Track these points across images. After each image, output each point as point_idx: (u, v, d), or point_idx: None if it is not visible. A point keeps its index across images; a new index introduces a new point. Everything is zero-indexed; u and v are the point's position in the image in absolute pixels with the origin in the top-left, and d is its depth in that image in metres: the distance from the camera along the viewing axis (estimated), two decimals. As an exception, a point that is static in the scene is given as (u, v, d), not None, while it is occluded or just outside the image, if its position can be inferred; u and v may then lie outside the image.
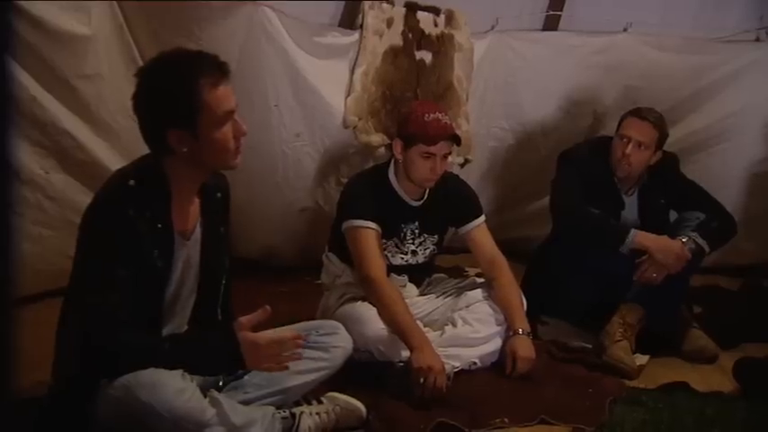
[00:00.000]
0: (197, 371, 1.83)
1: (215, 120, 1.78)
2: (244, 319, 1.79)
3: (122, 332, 1.74)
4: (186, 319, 2.00)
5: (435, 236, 2.73)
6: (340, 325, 2.19)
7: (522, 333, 2.54)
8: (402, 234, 2.65)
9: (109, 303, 1.72)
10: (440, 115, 2.54)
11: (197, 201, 1.94)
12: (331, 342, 2.10)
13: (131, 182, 1.79)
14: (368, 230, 2.53)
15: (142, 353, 1.76)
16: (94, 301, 1.74)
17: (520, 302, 2.63)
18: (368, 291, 2.51)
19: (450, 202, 2.71)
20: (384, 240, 2.60)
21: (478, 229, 2.73)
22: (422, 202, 2.67)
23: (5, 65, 0.69)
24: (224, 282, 2.05)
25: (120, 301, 1.73)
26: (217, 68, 1.79)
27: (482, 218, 2.75)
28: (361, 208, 2.56)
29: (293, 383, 2.03)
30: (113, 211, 1.76)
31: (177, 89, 1.75)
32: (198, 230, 1.94)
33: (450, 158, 2.66)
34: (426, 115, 2.53)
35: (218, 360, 1.81)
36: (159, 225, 1.81)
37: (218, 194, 2.02)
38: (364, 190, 2.62)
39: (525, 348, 2.52)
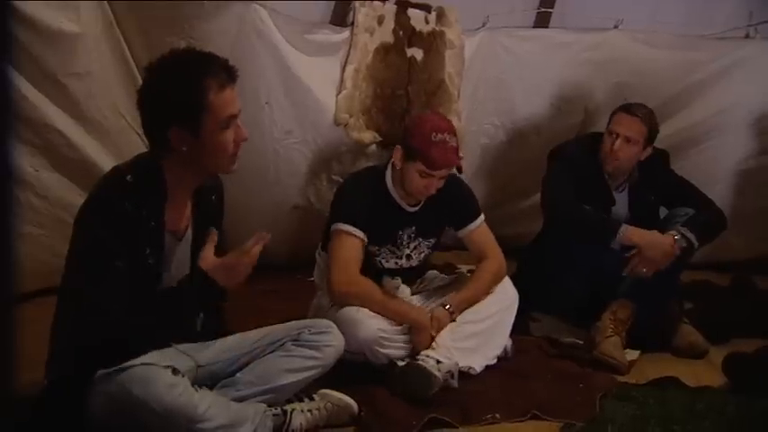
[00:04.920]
0: (184, 318, 1.86)
1: (218, 122, 1.79)
2: (204, 253, 1.88)
3: (116, 322, 1.75)
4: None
5: (431, 239, 2.69)
6: (332, 323, 2.19)
7: (448, 308, 2.51)
8: (398, 240, 2.61)
9: (105, 295, 1.73)
10: (447, 136, 2.43)
11: (190, 202, 1.94)
12: (323, 341, 2.10)
13: (129, 177, 1.80)
14: (351, 238, 2.46)
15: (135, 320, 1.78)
16: (91, 292, 1.74)
17: (471, 293, 2.56)
18: (343, 300, 2.44)
19: (449, 205, 2.64)
20: (377, 247, 2.56)
21: (477, 231, 2.67)
22: (419, 207, 2.61)
23: (5, 72, 0.69)
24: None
25: (115, 292, 1.74)
26: (225, 71, 1.80)
27: (480, 218, 2.68)
28: (352, 213, 2.49)
29: (285, 381, 2.03)
30: (111, 204, 1.77)
31: (184, 87, 1.76)
32: (190, 231, 1.95)
33: None
34: (434, 134, 2.42)
35: (196, 298, 1.86)
36: (152, 223, 1.82)
37: (213, 197, 2.03)
38: (360, 194, 2.54)
39: (438, 318, 2.49)
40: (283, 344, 2.07)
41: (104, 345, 1.77)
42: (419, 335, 2.46)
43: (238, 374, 2.01)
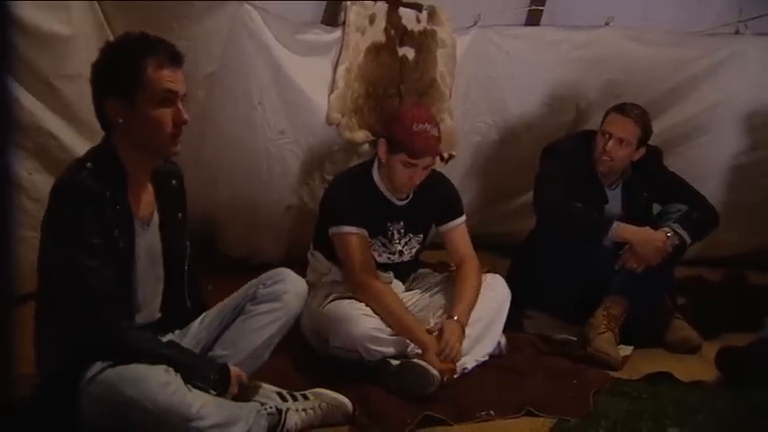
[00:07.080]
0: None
1: (153, 97, 1.83)
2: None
3: (107, 310, 1.79)
4: (158, 306, 2.03)
5: (420, 235, 2.73)
6: (286, 270, 2.17)
7: (458, 320, 2.47)
8: (389, 233, 2.65)
9: (87, 272, 1.77)
10: (428, 126, 2.50)
11: (151, 188, 1.98)
12: (279, 290, 2.10)
13: (89, 164, 1.84)
14: (356, 236, 2.53)
15: (138, 347, 1.80)
16: (72, 275, 1.77)
17: (471, 299, 2.55)
18: (364, 297, 2.50)
19: (435, 201, 2.72)
20: (370, 239, 2.60)
21: (457, 230, 2.73)
22: (407, 201, 2.67)
23: (5, 82, 0.69)
24: (186, 267, 2.08)
25: (96, 270, 1.77)
26: (169, 54, 1.86)
27: (462, 218, 2.75)
28: (348, 212, 2.54)
29: (256, 343, 2.06)
30: (74, 188, 1.80)
31: (122, 60, 1.84)
32: (156, 217, 1.98)
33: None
34: (415, 125, 2.49)
35: (205, 378, 1.87)
36: (118, 206, 1.85)
37: (173, 182, 2.07)
38: (349, 192, 2.60)
39: (452, 331, 2.43)
40: (243, 308, 2.09)
41: (86, 330, 1.80)
42: (426, 355, 2.39)
43: (213, 352, 2.05)
